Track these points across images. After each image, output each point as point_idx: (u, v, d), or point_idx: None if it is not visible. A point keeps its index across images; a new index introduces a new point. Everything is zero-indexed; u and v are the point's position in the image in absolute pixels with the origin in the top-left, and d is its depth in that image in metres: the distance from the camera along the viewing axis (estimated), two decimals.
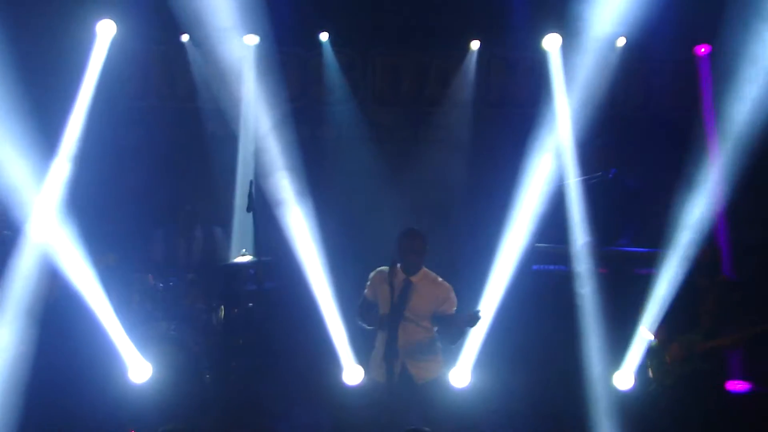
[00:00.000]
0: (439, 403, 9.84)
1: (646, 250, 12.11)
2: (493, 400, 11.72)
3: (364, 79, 14.15)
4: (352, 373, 11.84)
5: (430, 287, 9.76)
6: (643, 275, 11.76)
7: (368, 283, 9.90)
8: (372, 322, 9.88)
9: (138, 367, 11.65)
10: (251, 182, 11.03)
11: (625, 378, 11.46)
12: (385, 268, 9.72)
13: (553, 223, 12.53)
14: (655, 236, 12.13)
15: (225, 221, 13.14)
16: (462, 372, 11.70)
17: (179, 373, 11.85)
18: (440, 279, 9.80)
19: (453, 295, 9.80)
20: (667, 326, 10.55)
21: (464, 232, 13.49)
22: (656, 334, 10.53)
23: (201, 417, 11.42)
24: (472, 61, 14.02)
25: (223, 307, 12.44)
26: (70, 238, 11.73)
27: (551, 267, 12.39)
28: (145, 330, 11.99)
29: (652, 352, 10.62)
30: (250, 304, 12.40)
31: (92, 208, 12.69)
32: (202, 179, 13.58)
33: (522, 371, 12.13)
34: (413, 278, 9.72)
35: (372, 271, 9.95)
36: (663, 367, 10.45)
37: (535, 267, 12.44)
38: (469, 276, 11.93)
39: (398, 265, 9.75)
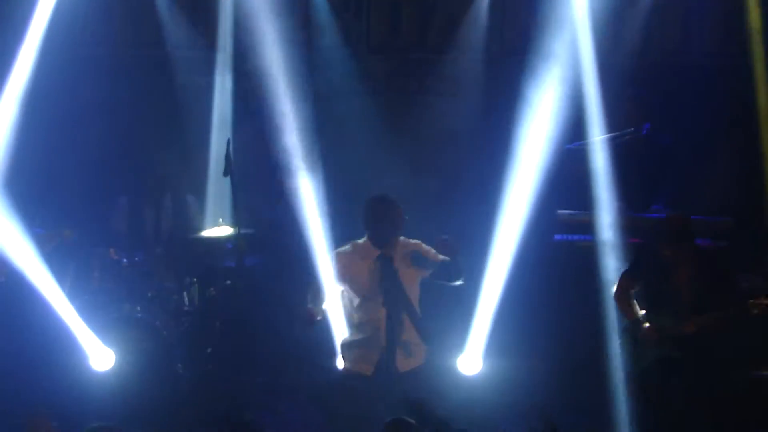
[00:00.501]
0: (431, 392, 8.98)
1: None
2: (507, 390, 11.04)
3: (359, 21, 13.41)
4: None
5: (408, 251, 9.10)
6: None
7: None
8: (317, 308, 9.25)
9: (99, 354, 10.90)
10: (228, 141, 10.40)
11: None
12: (347, 247, 9.20)
13: (577, 188, 11.75)
14: (693, 201, 11.56)
15: (198, 187, 12.48)
16: (472, 358, 10.72)
17: (147, 361, 11.10)
18: (408, 240, 9.14)
19: (430, 248, 9.14)
20: (640, 305, 9.73)
21: (473, 196, 12.51)
22: (628, 314, 9.78)
23: (174, 410, 10.81)
24: (483, 1, 13.18)
25: (196, 285, 11.74)
26: (13, 209, 11.06)
27: (575, 237, 11.70)
28: (106, 312, 11.25)
29: (625, 334, 9.89)
30: (228, 282, 11.68)
31: (43, 173, 12.38)
32: (172, 138, 12.79)
33: (541, 356, 11.52)
34: (390, 252, 9.04)
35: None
36: (636, 350, 9.73)
37: (557, 237, 11.78)
38: (479, 245, 11.29)
39: (365, 239, 9.13)
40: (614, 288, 9.77)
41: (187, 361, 11.33)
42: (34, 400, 10.59)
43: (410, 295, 9.08)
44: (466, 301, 10.80)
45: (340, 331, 9.73)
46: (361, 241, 9.17)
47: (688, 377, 9.45)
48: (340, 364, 9.41)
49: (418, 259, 9.07)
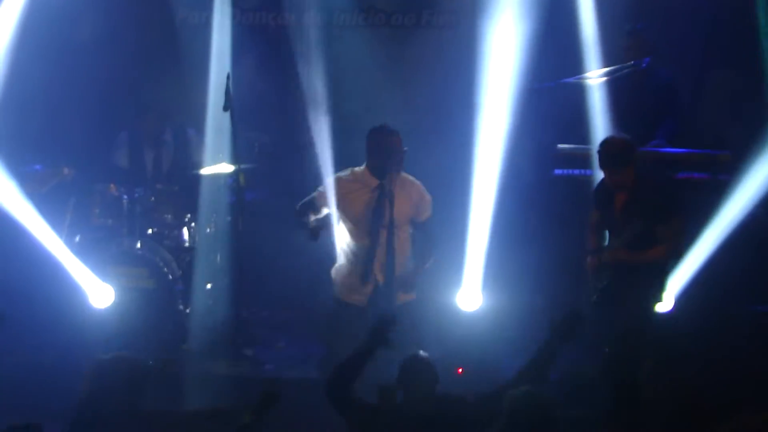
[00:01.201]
0: (426, 326, 9.42)
1: (687, 150, 11.14)
2: (507, 325, 10.93)
3: None
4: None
5: (407, 189, 9.21)
6: (685, 180, 10.90)
7: (322, 189, 9.31)
8: (305, 224, 9.28)
9: (98, 291, 10.82)
10: (228, 76, 10.28)
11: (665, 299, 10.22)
12: (346, 173, 9.34)
13: (577, 122, 11.49)
14: (696, 135, 11.44)
15: (198, 122, 12.09)
16: (471, 293, 10.68)
17: (147, 297, 11.04)
18: (412, 178, 9.22)
19: (427, 196, 9.40)
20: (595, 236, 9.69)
21: (469, 130, 11.97)
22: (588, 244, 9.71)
23: (173, 346, 10.83)
24: None
25: (197, 221, 11.59)
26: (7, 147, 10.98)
27: (576, 172, 11.39)
28: (106, 248, 11.20)
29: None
30: (228, 218, 11.48)
31: (43, 109, 12.19)
32: (172, 73, 12.51)
33: (543, 291, 11.36)
34: (389, 183, 9.09)
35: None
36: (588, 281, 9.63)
37: (557, 171, 11.47)
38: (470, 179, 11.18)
39: (363, 167, 9.25)
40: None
41: (186, 296, 11.20)
42: (33, 340, 10.66)
43: (402, 232, 9.11)
44: (459, 236, 10.73)
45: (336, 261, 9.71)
46: (359, 169, 9.22)
47: (610, 308, 9.36)
48: (334, 294, 9.38)
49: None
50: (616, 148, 9.31)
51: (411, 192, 9.25)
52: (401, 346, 8.56)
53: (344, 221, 9.24)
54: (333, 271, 9.40)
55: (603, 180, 9.53)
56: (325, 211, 9.31)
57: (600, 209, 9.55)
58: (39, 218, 10.84)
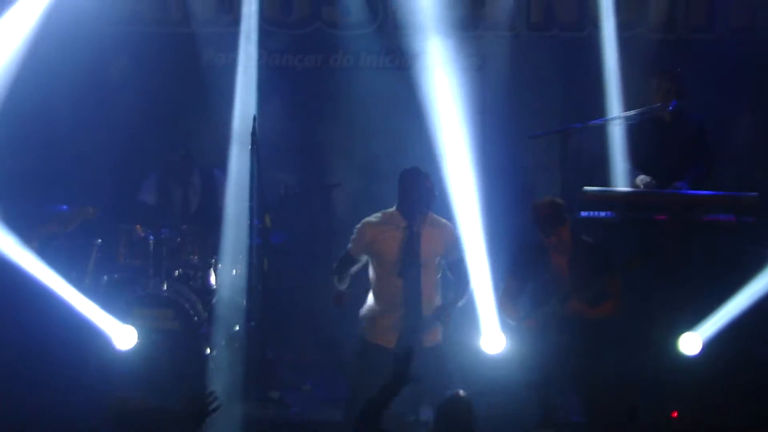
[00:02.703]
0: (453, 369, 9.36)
1: (713, 192, 10.90)
2: (532, 368, 10.25)
3: None
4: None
5: (435, 230, 9.19)
6: (713, 222, 10.68)
7: (354, 237, 9.24)
8: (343, 281, 9.37)
9: (120, 333, 10.73)
10: (254, 118, 10.38)
11: (692, 342, 10.33)
12: (375, 217, 9.29)
13: (602, 164, 11.54)
14: (722, 179, 11.36)
15: (224, 163, 12.11)
16: (493, 335, 10.24)
17: (173, 339, 11.03)
18: (442, 219, 9.25)
19: (457, 236, 9.36)
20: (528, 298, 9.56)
21: (500, 177, 12.09)
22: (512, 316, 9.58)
23: (198, 388, 9.77)
24: None
25: (223, 263, 11.54)
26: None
27: (601, 214, 11.09)
28: (132, 290, 11.25)
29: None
30: (254, 260, 11.20)
31: (71, 149, 12.32)
32: (198, 114, 12.62)
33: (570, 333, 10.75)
34: (418, 224, 9.10)
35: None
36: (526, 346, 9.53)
37: (583, 214, 11.11)
38: (497, 221, 11.02)
39: (394, 209, 9.23)
40: (500, 295, 9.54)
41: (212, 338, 11.12)
42: (57, 382, 10.53)
43: (429, 273, 9.10)
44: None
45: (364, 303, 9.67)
46: (389, 210, 9.22)
47: (573, 362, 9.27)
48: (362, 335, 9.37)
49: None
50: (549, 210, 9.32)
51: (442, 232, 9.23)
52: (427, 385, 8.67)
53: (376, 263, 9.23)
54: (362, 312, 9.37)
55: (526, 246, 9.54)
56: (362, 259, 9.30)
57: (525, 275, 9.41)
58: (60, 261, 10.87)
